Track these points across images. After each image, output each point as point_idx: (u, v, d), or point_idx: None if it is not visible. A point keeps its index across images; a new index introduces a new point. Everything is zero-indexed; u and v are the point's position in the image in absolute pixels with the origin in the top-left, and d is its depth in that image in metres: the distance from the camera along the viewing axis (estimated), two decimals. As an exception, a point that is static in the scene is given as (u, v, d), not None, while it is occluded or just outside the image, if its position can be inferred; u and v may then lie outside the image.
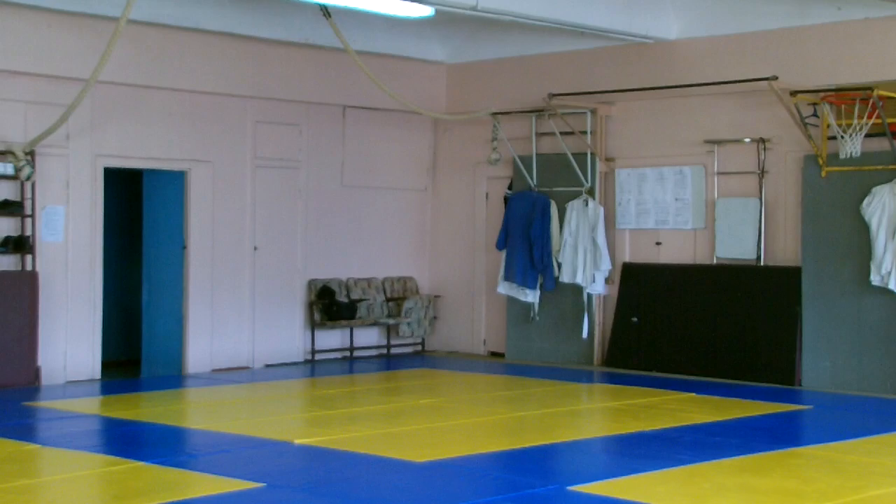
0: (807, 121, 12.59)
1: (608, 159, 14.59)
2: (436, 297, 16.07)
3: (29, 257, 12.36)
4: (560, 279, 14.57)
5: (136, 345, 14.31)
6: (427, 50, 15.62)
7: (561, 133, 14.60)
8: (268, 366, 14.37)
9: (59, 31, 12.51)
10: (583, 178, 14.44)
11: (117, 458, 8.57)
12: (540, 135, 14.99)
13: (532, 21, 12.90)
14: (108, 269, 13.49)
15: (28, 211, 12.38)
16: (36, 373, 12.34)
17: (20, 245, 12.29)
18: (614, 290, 14.47)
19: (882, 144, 12.29)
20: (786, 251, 13.25)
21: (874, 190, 12.29)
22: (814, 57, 12.89)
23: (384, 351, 15.70)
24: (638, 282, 14.29)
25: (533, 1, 12.50)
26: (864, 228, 12.36)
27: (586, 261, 14.35)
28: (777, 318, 13.05)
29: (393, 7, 12.25)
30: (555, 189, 14.73)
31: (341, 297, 15.04)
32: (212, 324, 13.91)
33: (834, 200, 12.64)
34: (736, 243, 13.53)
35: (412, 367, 14.52)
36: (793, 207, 13.16)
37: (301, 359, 14.80)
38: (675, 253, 14.09)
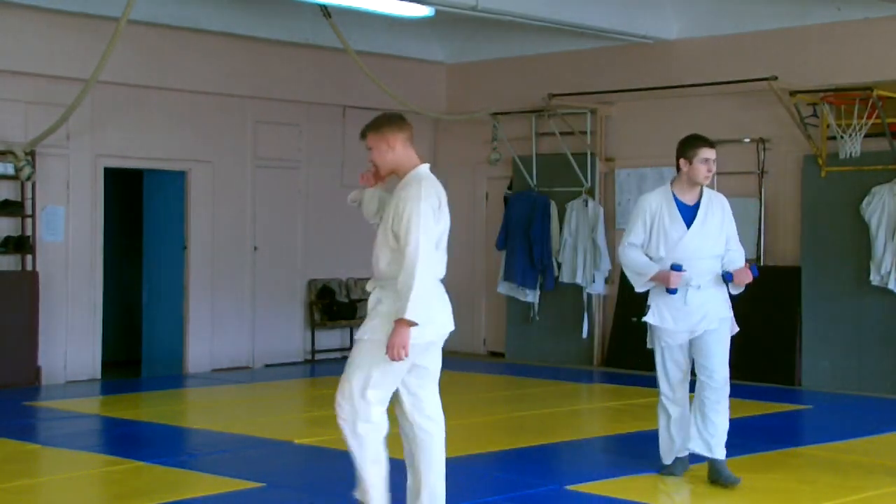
0: (806, 121, 12.59)
1: (608, 159, 14.58)
2: (436, 297, 16.02)
3: (29, 257, 12.35)
4: (560, 279, 14.56)
5: (136, 345, 14.30)
6: (427, 50, 15.62)
7: (561, 133, 14.59)
8: (268, 366, 14.37)
9: (59, 31, 12.51)
10: (583, 179, 14.44)
11: (117, 458, 8.57)
12: (540, 135, 14.98)
13: (532, 21, 12.90)
14: (108, 269, 13.48)
15: (28, 211, 12.37)
16: (36, 373, 12.33)
17: (20, 245, 12.29)
18: (614, 290, 14.46)
19: (882, 144, 12.28)
20: (786, 251, 13.25)
21: (874, 190, 12.28)
22: (814, 57, 12.89)
23: (384, 351, 15.66)
24: (638, 282, 14.26)
25: (533, 1, 12.50)
26: (864, 228, 12.35)
27: (586, 261, 14.35)
28: (777, 318, 13.04)
29: (393, 7, 12.25)
30: (555, 189, 14.72)
31: (341, 297, 15.04)
32: (212, 324, 13.91)
33: (834, 200, 12.63)
34: (736, 243, 13.50)
35: (412, 367, 14.49)
36: (793, 207, 13.16)
37: (301, 359, 14.80)
38: (675, 253, 14.06)
